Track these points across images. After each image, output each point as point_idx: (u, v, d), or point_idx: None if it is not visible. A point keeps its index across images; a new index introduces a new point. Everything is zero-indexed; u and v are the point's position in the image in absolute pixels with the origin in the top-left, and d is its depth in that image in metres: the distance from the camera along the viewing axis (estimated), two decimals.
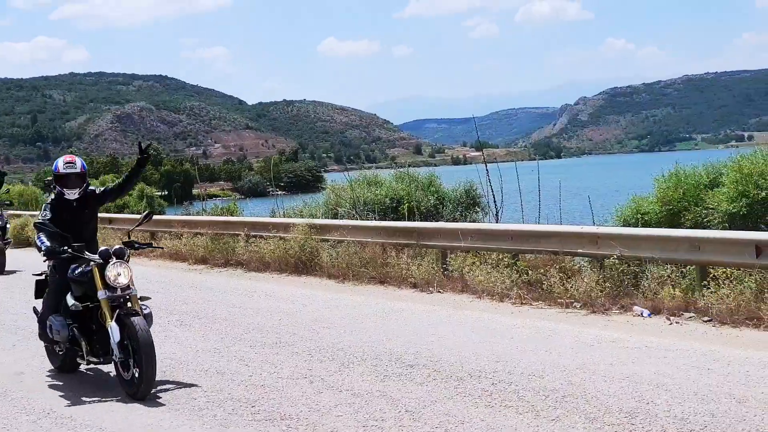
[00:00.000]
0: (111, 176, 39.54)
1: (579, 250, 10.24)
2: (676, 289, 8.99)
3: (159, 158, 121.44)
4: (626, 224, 11.48)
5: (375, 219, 14.63)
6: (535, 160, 20.14)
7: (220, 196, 70.30)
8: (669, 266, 9.41)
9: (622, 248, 9.54)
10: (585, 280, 9.65)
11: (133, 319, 6.55)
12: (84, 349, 6.97)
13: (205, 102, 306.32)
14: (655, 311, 8.95)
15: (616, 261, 9.58)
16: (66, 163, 7.32)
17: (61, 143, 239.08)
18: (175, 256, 16.63)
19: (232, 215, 19.01)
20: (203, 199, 25.46)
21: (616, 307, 9.33)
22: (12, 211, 26.41)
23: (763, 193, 10.39)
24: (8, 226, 17.84)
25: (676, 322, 8.58)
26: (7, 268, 16.13)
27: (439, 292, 11.16)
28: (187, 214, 21.18)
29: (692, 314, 8.72)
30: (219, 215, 19.11)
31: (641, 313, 8.97)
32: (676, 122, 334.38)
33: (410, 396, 6.27)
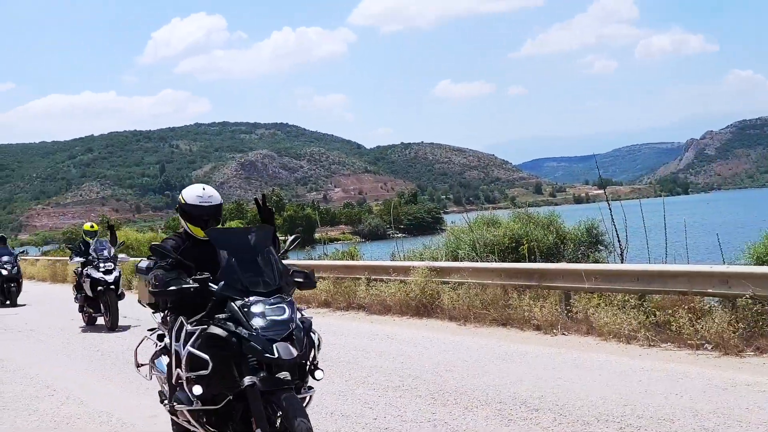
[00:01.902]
0: (236, 222, 40.59)
1: (709, 290, 9.85)
2: None
3: (281, 204, 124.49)
4: (759, 262, 11.02)
5: (495, 260, 14.54)
6: (660, 196, 19.62)
7: (340, 240, 71.33)
8: None
9: (755, 288, 9.15)
10: (716, 321, 9.28)
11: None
12: None
13: (324, 147, 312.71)
14: None
15: (750, 301, 9.19)
16: None
17: None
18: (298, 300, 16.87)
19: (352, 259, 19.26)
20: (325, 243, 25.92)
21: (751, 349, 8.93)
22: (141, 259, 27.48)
23: None
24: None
25: None
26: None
27: (564, 334, 10.97)
28: (309, 259, 21.59)
29: None
30: (340, 259, 19.40)
31: None
32: None
33: None
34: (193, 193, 5.65)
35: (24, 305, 20.95)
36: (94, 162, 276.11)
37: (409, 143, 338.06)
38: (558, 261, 14.20)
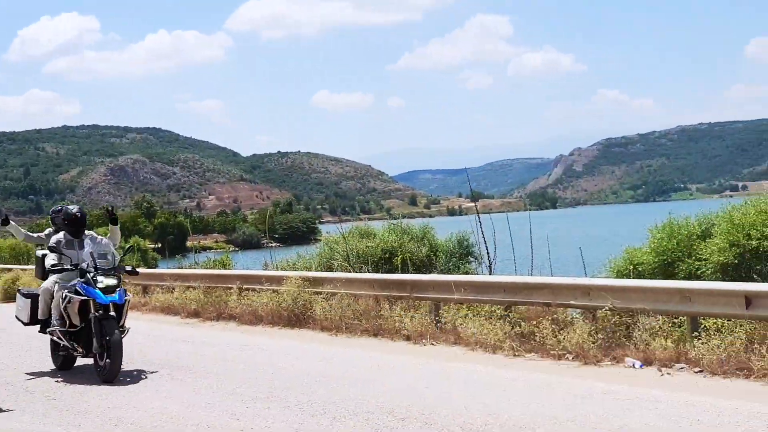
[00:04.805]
0: (104, 228, 39.39)
1: (571, 302, 10.25)
2: (668, 340, 9.00)
3: (152, 211, 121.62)
4: (620, 275, 11.53)
5: (368, 271, 14.67)
6: (529, 210, 20.25)
7: (213, 249, 70.34)
8: (661, 317, 9.43)
9: (614, 300, 9.57)
10: (577, 332, 9.65)
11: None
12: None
13: (199, 154, 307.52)
14: (647, 362, 8.96)
15: (609, 312, 9.61)
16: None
17: (54, 196, 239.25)
18: (167, 310, 16.63)
19: (225, 268, 19.03)
20: (196, 252, 25.51)
21: (608, 359, 9.33)
22: (3, 265, 26.36)
23: (754, 243, 10.49)
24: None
25: (668, 373, 8.59)
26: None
27: (432, 344, 11.15)
28: (179, 267, 21.20)
29: (684, 365, 8.73)
30: (212, 268, 19.14)
31: (633, 365, 8.97)
32: (671, 172, 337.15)
33: None
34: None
35: None
36: None
37: (286, 152, 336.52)
38: (430, 272, 14.44)
